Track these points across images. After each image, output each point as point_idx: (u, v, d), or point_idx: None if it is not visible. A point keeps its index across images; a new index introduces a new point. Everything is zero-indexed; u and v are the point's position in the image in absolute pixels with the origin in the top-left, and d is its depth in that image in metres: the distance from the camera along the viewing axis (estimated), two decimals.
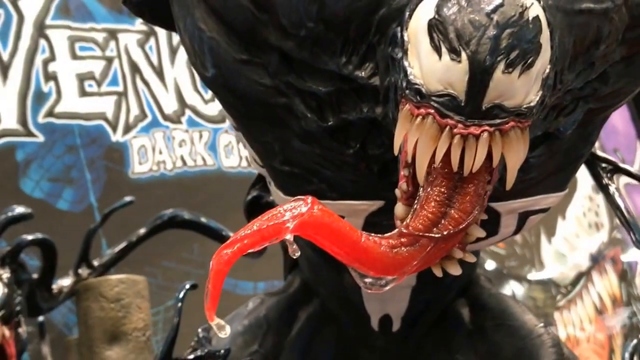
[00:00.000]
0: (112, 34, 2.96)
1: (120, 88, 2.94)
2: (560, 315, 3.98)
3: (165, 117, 3.00)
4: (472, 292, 1.32)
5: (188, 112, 3.04)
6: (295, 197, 0.87)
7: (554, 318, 3.94)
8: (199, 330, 1.27)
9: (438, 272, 0.94)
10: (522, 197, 1.09)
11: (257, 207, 1.51)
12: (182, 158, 3.00)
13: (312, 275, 1.32)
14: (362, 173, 1.05)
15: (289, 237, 0.85)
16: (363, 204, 1.07)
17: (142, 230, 2.41)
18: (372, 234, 0.89)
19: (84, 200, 2.83)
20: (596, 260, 4.09)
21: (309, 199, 0.86)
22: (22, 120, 2.70)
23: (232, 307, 1.35)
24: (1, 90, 2.67)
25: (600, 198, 4.09)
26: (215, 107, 3.09)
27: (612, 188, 1.31)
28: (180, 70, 3.05)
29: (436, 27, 0.89)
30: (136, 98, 2.96)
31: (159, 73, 3.02)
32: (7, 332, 1.82)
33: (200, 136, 3.04)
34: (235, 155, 3.08)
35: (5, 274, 1.88)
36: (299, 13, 0.98)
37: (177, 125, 3.02)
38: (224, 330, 0.87)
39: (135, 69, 2.97)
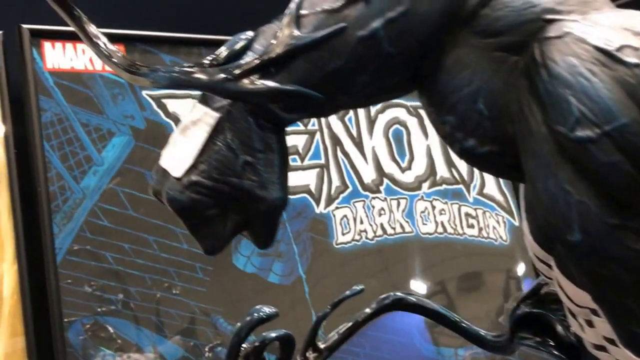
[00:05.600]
0: None
1: (322, 161, 2.86)
2: None
3: (365, 187, 2.92)
4: None
5: (386, 181, 2.95)
6: None
7: None
8: None
9: None
10: None
11: (526, 322, 1.54)
12: (381, 226, 2.91)
13: None
14: None
15: None
16: None
17: (368, 310, 2.32)
18: None
19: (293, 273, 2.76)
20: None
21: None
22: None
23: None
24: None
25: None
26: (411, 175, 3.00)
27: None
28: (378, 140, 2.97)
29: None
30: (337, 170, 2.88)
31: (358, 144, 2.94)
32: None
33: (398, 204, 2.95)
34: (431, 221, 2.98)
35: None
36: None
37: (376, 194, 2.93)
38: None
39: (336, 141, 2.90)
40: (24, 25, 2.54)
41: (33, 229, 2.45)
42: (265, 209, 1.21)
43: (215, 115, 1.18)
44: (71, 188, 2.51)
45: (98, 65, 2.61)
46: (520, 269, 3.10)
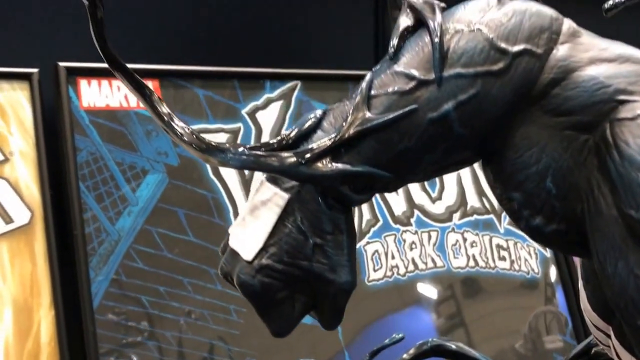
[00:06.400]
0: None
1: None
2: None
3: (396, 220, 2.89)
4: None
5: (417, 213, 2.92)
6: None
7: None
8: None
9: None
10: None
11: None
12: (413, 261, 2.88)
13: None
14: None
15: None
16: None
17: (405, 356, 2.30)
18: None
19: None
20: None
21: None
22: None
23: None
24: None
25: None
26: (441, 205, 2.97)
27: None
28: None
29: None
30: (368, 203, 2.84)
31: None
32: None
33: (429, 237, 2.92)
34: (463, 254, 2.96)
35: None
36: None
37: (407, 227, 2.90)
38: None
39: None
40: (61, 64, 2.49)
41: (69, 274, 2.41)
42: (335, 292, 1.19)
43: (285, 196, 1.17)
44: (107, 230, 2.47)
45: (133, 102, 2.55)
46: (551, 301, 3.08)
